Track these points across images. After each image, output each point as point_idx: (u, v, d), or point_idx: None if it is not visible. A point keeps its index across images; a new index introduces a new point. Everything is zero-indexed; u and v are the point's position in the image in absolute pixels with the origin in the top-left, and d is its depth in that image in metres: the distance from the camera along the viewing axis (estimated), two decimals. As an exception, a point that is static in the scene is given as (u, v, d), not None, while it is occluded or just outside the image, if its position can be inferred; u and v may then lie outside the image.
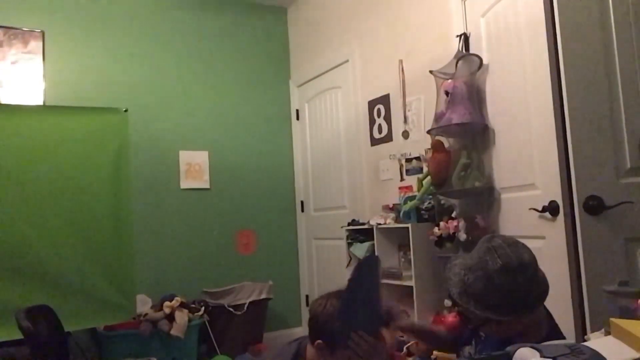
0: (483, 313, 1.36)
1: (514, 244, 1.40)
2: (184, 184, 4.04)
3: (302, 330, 4.08)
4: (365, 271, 1.55)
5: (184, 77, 4.13)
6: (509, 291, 1.33)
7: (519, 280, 1.33)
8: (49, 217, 2.93)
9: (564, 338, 1.47)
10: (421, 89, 3.14)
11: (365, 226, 3.32)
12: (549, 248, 2.15)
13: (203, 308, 3.62)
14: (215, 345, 3.62)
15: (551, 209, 2.10)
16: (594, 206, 1.89)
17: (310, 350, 1.57)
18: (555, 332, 1.47)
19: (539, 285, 1.38)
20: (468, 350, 1.64)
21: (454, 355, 1.72)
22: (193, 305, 3.59)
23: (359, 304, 1.48)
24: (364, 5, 3.70)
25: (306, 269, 4.39)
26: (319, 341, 1.51)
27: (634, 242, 1.91)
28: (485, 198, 2.62)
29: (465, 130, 2.67)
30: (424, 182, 2.95)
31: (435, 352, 1.92)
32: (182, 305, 3.48)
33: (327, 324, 1.49)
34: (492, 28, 2.57)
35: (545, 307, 1.49)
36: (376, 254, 3.18)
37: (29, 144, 2.94)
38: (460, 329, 1.64)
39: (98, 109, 3.31)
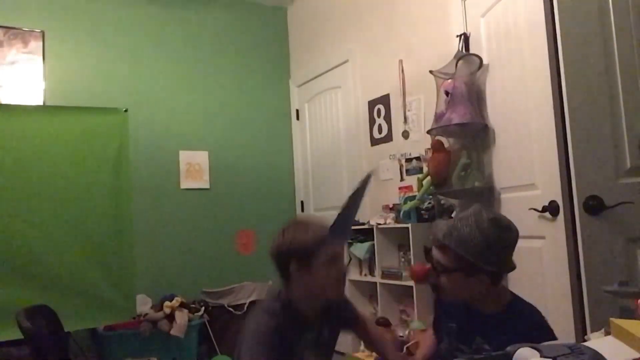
0: (462, 254, 1.43)
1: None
2: (184, 184, 4.04)
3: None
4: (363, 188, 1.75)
5: (184, 77, 4.13)
6: (492, 242, 1.42)
7: (503, 236, 1.45)
8: (48, 217, 2.93)
9: (538, 313, 1.50)
10: (421, 89, 3.14)
11: (365, 226, 3.32)
12: (549, 248, 2.15)
13: (203, 308, 3.63)
14: (215, 345, 3.62)
15: (551, 209, 2.09)
16: (594, 206, 1.89)
17: (290, 289, 1.64)
18: (519, 308, 1.51)
19: (511, 257, 1.48)
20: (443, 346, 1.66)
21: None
22: (193, 305, 3.59)
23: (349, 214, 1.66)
24: (364, 5, 3.70)
25: (306, 269, 4.38)
26: (293, 265, 1.58)
27: (634, 242, 1.91)
28: (485, 198, 2.62)
29: (465, 130, 2.66)
30: (424, 182, 2.95)
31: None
32: (182, 305, 3.48)
33: (297, 245, 1.59)
34: (492, 28, 2.57)
35: (511, 292, 1.57)
36: (376, 252, 3.19)
37: (29, 144, 2.93)
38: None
39: (98, 109, 3.31)
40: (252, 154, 4.33)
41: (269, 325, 1.57)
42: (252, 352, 1.56)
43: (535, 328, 1.40)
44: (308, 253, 1.58)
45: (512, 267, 1.49)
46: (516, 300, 1.52)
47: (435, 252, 1.51)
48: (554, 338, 1.41)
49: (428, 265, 1.63)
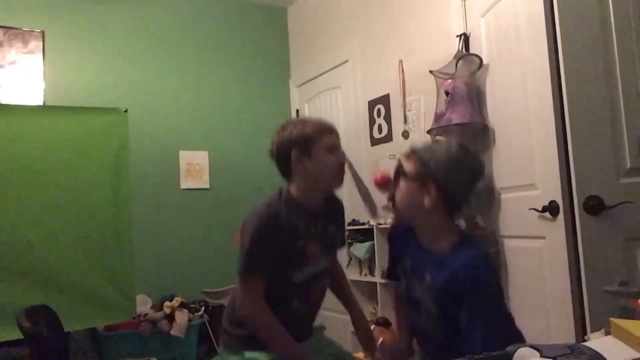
0: (423, 159, 1.49)
1: None
2: (184, 184, 4.04)
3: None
4: None
5: (184, 77, 4.13)
6: (453, 160, 1.47)
7: (465, 160, 1.50)
8: (49, 217, 2.93)
9: (479, 253, 1.50)
10: (421, 89, 3.14)
11: (365, 226, 3.32)
12: (549, 248, 2.15)
13: (203, 308, 3.63)
14: (215, 345, 3.62)
15: (551, 209, 2.10)
16: (594, 206, 1.89)
17: (292, 183, 1.74)
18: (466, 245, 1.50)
19: (466, 192, 1.51)
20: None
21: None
22: (193, 305, 3.59)
23: None
24: (364, 5, 3.69)
25: (306, 269, 4.38)
26: (295, 154, 1.67)
27: (634, 242, 1.91)
28: (485, 198, 2.62)
29: (465, 130, 2.66)
30: (424, 182, 2.95)
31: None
32: (182, 305, 3.48)
33: (297, 136, 1.70)
34: (492, 28, 2.57)
35: (462, 234, 1.57)
36: (376, 252, 3.19)
37: (29, 144, 2.93)
38: None
39: (98, 109, 3.31)
40: (252, 154, 4.32)
41: (268, 215, 1.67)
42: (252, 241, 1.66)
43: (472, 266, 1.41)
44: (308, 141, 1.66)
45: (466, 204, 1.53)
46: (464, 240, 1.53)
47: (403, 159, 1.55)
48: (495, 277, 1.48)
49: (386, 172, 1.72)
